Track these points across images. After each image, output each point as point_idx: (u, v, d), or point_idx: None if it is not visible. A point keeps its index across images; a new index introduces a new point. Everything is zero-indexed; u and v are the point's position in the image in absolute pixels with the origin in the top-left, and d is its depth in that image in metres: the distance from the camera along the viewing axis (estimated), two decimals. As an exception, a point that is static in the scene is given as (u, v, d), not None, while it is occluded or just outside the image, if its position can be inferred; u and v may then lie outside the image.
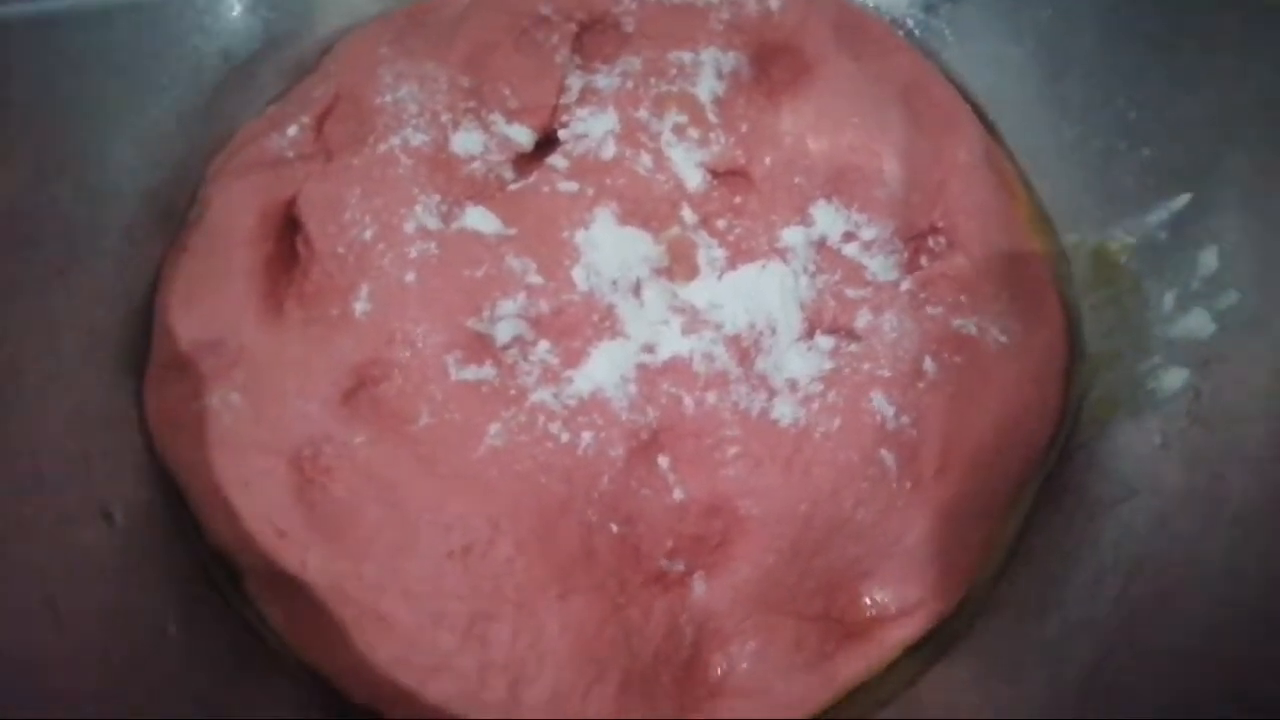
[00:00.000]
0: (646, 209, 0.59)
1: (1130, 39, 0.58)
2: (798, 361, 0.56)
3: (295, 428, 0.53)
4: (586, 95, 0.63)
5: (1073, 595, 0.53)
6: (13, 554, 0.45)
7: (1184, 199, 0.56)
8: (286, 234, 0.60)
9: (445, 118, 0.60)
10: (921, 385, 0.55)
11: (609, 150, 0.60)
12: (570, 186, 0.59)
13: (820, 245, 0.59)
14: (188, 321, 0.57)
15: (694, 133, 0.61)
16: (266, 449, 0.53)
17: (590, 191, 0.59)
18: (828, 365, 0.55)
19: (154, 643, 0.48)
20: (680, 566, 0.53)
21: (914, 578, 0.54)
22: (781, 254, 0.58)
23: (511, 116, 0.62)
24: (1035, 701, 0.50)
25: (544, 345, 0.55)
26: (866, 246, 0.59)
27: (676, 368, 0.55)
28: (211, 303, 0.57)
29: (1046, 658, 0.51)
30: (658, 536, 0.53)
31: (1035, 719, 0.49)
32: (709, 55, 0.63)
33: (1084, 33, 0.61)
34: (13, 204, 0.51)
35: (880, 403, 0.54)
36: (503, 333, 0.55)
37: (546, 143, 0.62)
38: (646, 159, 0.60)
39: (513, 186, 0.60)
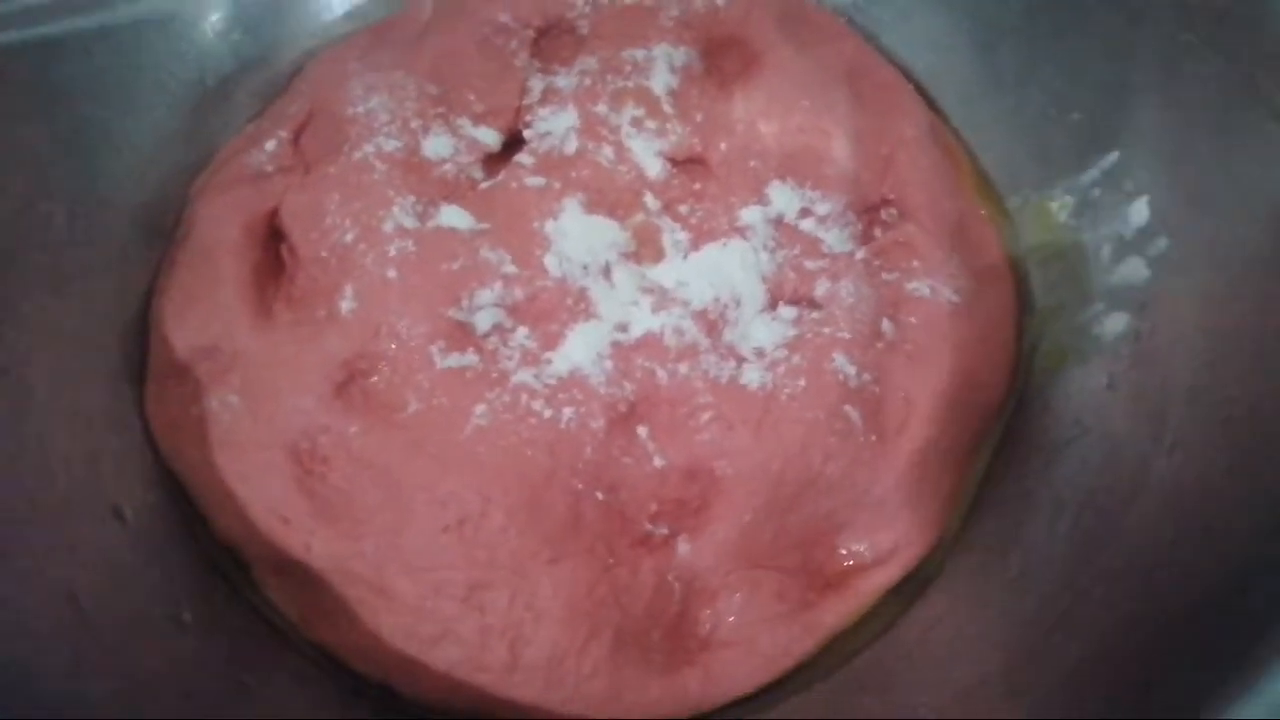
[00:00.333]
0: (611, 198, 0.61)
1: (1051, 8, 0.61)
2: (763, 331, 0.58)
3: (292, 423, 0.55)
4: (548, 95, 0.65)
5: (1031, 532, 0.55)
6: (34, 554, 0.47)
7: (1113, 157, 0.60)
8: (271, 243, 0.61)
9: (415, 124, 0.62)
10: (880, 345, 0.57)
11: (572, 145, 0.62)
12: (538, 181, 0.61)
13: (778, 222, 0.61)
14: (182, 331, 0.58)
15: (651, 124, 0.63)
16: (266, 445, 0.55)
17: (557, 185, 0.61)
18: (791, 333, 0.57)
19: (171, 629, 0.50)
20: (664, 529, 0.55)
21: (886, 527, 0.56)
22: (742, 232, 0.60)
23: (478, 119, 0.64)
24: (1000, 633, 0.52)
25: (522, 330, 0.57)
26: (822, 221, 0.61)
27: (649, 343, 0.57)
28: (204, 312, 0.58)
29: (1009, 592, 0.53)
30: (641, 501, 0.54)
31: (1001, 646, 0.51)
32: (661, 51, 0.65)
33: (1010, 6, 0.64)
34: (9, 224, 0.53)
35: (842, 363, 0.56)
36: (482, 321, 0.57)
37: (513, 142, 0.64)
38: (608, 151, 0.62)
39: (483, 185, 0.62)
